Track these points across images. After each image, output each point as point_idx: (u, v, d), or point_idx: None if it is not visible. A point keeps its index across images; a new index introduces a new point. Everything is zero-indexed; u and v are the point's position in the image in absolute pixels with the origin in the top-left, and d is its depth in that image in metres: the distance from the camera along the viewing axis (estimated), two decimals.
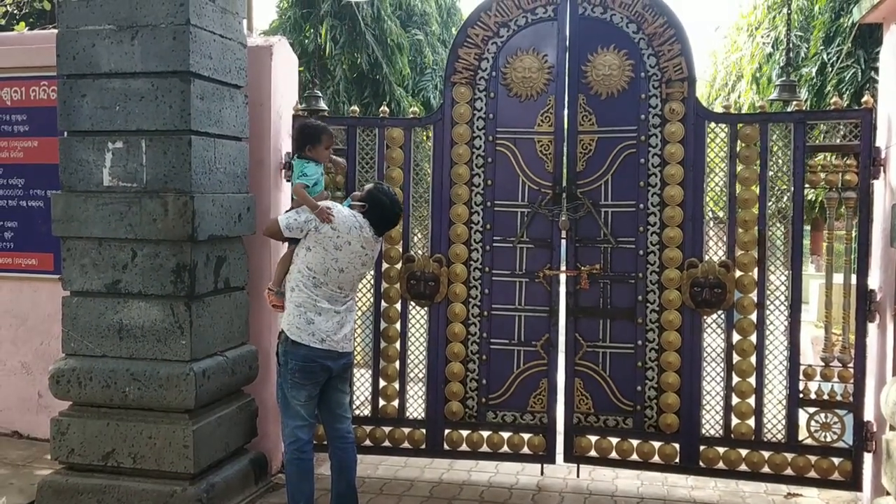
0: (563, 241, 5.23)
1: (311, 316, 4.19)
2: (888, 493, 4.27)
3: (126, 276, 4.61)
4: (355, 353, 5.54)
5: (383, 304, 5.43)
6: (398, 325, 5.42)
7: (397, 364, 5.43)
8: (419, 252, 5.42)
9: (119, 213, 4.56)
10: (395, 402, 5.44)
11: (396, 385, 5.44)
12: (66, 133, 4.69)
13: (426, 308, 5.40)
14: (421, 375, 5.48)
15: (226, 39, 4.79)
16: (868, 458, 4.82)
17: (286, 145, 5.46)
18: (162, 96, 4.50)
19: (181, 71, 4.48)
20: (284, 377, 4.27)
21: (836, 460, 4.90)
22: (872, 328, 4.85)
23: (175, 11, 4.45)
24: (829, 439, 4.92)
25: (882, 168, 4.79)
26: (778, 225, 5.14)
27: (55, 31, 4.69)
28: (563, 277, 5.26)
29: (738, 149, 4.99)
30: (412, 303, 5.42)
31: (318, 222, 4.19)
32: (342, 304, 4.32)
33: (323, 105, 5.66)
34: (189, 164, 4.50)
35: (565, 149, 5.18)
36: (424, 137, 5.55)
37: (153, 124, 4.53)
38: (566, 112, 5.17)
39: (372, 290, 5.47)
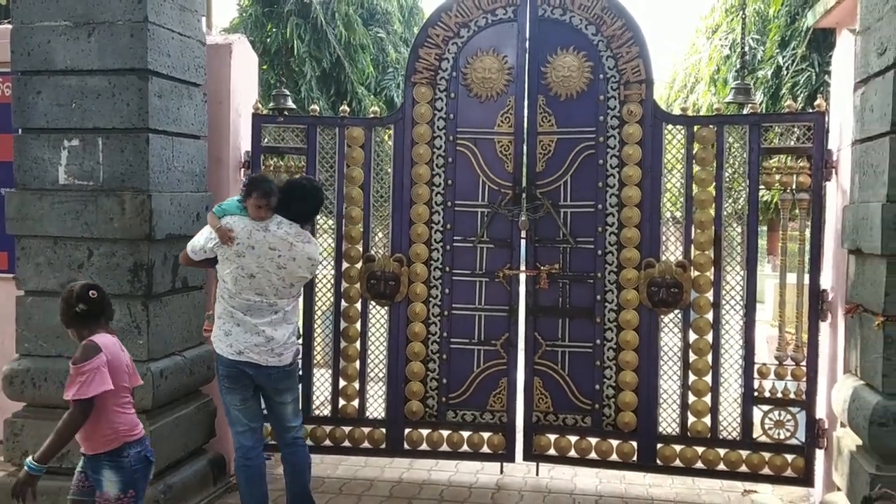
0: (523, 241, 5.26)
1: (228, 327, 4.18)
2: (839, 489, 4.37)
3: (82, 276, 4.53)
4: (315, 352, 5.53)
5: (343, 303, 5.42)
6: (358, 325, 5.42)
7: (357, 364, 5.42)
8: (380, 251, 5.42)
9: (75, 211, 4.50)
10: (356, 402, 5.43)
11: (356, 385, 5.43)
12: (20, 130, 4.62)
13: (386, 307, 5.40)
14: (381, 375, 5.48)
15: (184, 37, 4.75)
16: (820, 455, 4.92)
17: (245, 144, 5.42)
18: (119, 94, 4.45)
19: (139, 68, 4.43)
20: (219, 383, 4.29)
21: (789, 457, 4.99)
22: (825, 327, 4.95)
23: (133, 8, 4.41)
24: (782, 436, 5.00)
25: (834, 170, 4.89)
26: (734, 225, 5.22)
27: (9, 26, 4.61)
28: (522, 277, 5.30)
29: (694, 150, 5.06)
30: (372, 302, 5.42)
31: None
32: (268, 314, 4.18)
33: (291, 104, 5.63)
34: (147, 163, 4.46)
35: (525, 149, 5.21)
36: (385, 137, 5.55)
37: (110, 122, 4.48)
38: (526, 113, 5.21)
39: (332, 290, 5.45)
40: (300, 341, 4.50)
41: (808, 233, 4.98)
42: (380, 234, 5.55)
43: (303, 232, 4.30)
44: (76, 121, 4.50)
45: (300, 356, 4.60)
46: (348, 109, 5.63)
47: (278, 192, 4.23)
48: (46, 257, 4.57)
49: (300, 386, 4.70)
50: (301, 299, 5.38)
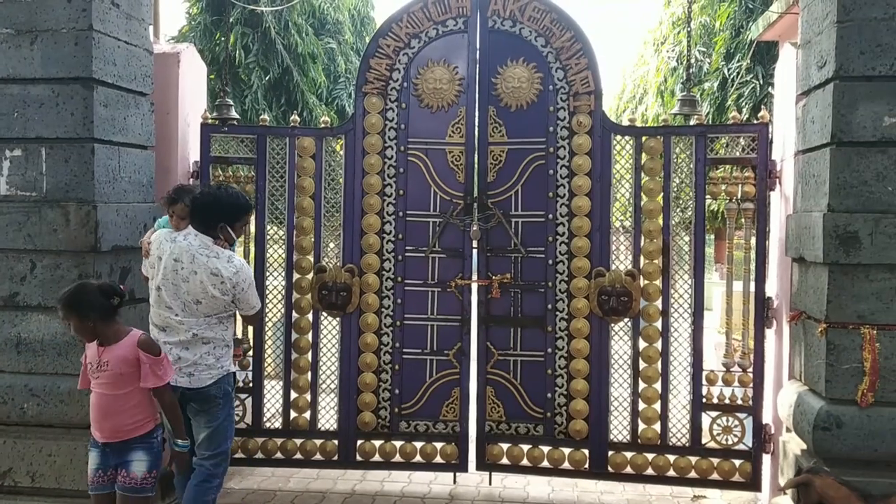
0: (475, 251, 5.27)
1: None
2: (785, 493, 4.44)
3: (25, 289, 4.45)
4: (266, 363, 5.48)
5: (294, 314, 5.37)
6: (310, 336, 5.38)
7: (309, 375, 5.38)
8: (331, 262, 5.39)
9: (17, 223, 4.40)
10: (307, 414, 5.38)
11: (308, 396, 5.38)
12: None
13: (338, 318, 5.36)
14: (333, 386, 5.44)
15: (131, 45, 4.68)
16: (767, 460, 5.00)
17: (194, 153, 5.36)
18: (63, 103, 4.38)
19: (83, 77, 4.36)
20: None
21: (737, 462, 5.07)
22: (770, 334, 5.04)
23: (77, 16, 4.34)
24: (730, 442, 5.08)
25: (777, 180, 5.00)
26: (682, 234, 5.30)
27: None
28: (474, 287, 5.31)
29: (643, 161, 5.13)
30: (324, 313, 5.39)
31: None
32: (178, 333, 3.90)
33: (234, 114, 5.58)
34: (92, 173, 4.38)
35: (476, 160, 5.23)
36: (337, 147, 5.52)
37: (54, 132, 4.40)
38: (477, 123, 5.23)
39: (283, 301, 5.41)
40: (227, 363, 4.00)
41: (753, 241, 5.08)
42: (332, 245, 5.52)
43: (210, 245, 3.95)
44: (18, 130, 4.41)
45: (231, 382, 4.05)
46: (299, 119, 5.60)
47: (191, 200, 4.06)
48: None
49: (226, 413, 4.03)
50: None
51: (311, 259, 5.35)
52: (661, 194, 5.11)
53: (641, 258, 5.14)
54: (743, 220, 5.15)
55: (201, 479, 3.92)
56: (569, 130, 5.14)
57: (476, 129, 5.23)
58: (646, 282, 5.14)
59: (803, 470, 4.04)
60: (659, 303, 5.13)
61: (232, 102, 5.69)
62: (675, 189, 5.20)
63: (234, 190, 4.40)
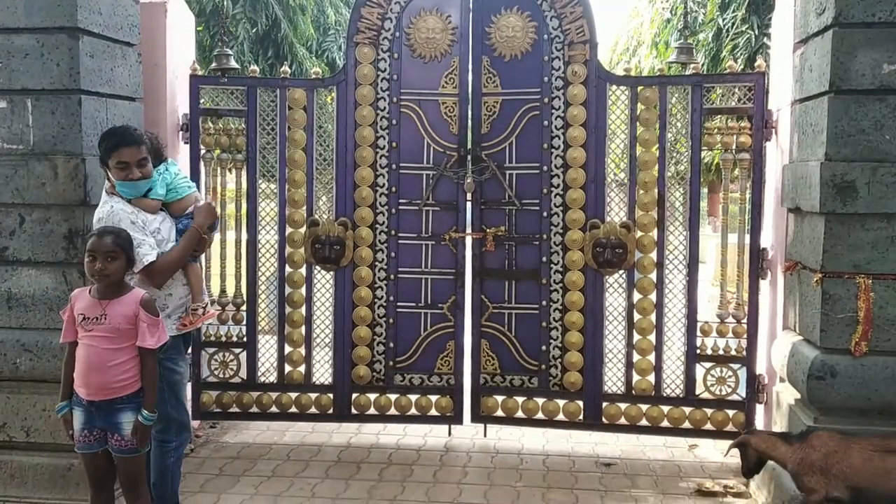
0: (469, 204, 5.23)
1: None
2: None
3: (14, 243, 4.39)
4: (260, 318, 5.47)
5: (287, 268, 5.34)
6: (303, 290, 5.35)
7: (303, 329, 5.36)
8: (324, 216, 5.35)
9: (4, 176, 4.33)
10: (302, 368, 5.38)
11: (302, 350, 5.37)
12: None
13: (332, 272, 5.34)
14: (327, 340, 5.44)
15: None
16: (760, 410, 5.03)
17: (183, 106, 5.28)
18: (49, 53, 4.28)
19: (69, 27, 4.26)
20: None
21: (730, 412, 5.09)
22: (764, 285, 5.04)
23: None
24: (724, 392, 5.10)
25: (774, 130, 4.95)
26: (676, 187, 5.27)
27: None
28: (468, 240, 5.28)
29: (638, 111, 5.07)
30: (317, 267, 5.36)
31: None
32: None
33: (234, 63, 5.48)
34: (79, 126, 4.30)
35: (470, 111, 5.17)
36: (328, 99, 5.44)
37: (39, 83, 4.30)
38: (470, 74, 5.16)
39: (276, 255, 5.37)
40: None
41: (748, 193, 5.05)
42: (324, 199, 5.47)
43: (104, 192, 3.85)
44: (3, 81, 4.31)
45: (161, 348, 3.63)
46: (289, 71, 5.51)
47: None
48: None
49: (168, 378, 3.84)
50: (244, 264, 5.33)
51: (304, 213, 5.30)
52: (657, 145, 5.06)
53: (636, 210, 5.11)
54: (738, 171, 5.11)
55: (155, 444, 3.84)
56: (564, 80, 5.07)
57: (470, 79, 5.16)
58: (640, 234, 5.12)
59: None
60: (654, 255, 5.12)
61: (231, 52, 5.60)
62: (671, 140, 5.15)
63: (119, 125, 4.06)
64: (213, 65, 5.43)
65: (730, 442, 4.23)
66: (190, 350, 4.35)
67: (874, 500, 3.63)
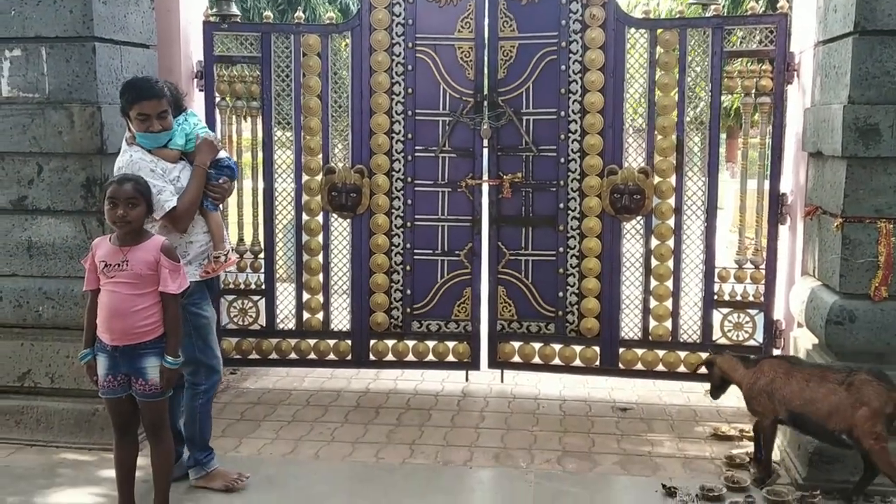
0: (485, 150, 5.20)
1: None
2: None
3: (33, 192, 4.42)
4: (277, 266, 5.50)
5: (304, 216, 5.34)
6: (320, 238, 5.36)
7: (320, 277, 5.39)
8: (340, 163, 5.33)
9: (21, 125, 4.34)
10: (320, 315, 5.42)
11: (320, 298, 5.40)
12: None
13: (348, 220, 5.34)
14: (345, 288, 5.46)
15: None
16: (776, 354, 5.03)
17: (197, 53, 5.24)
18: (61, 0, 4.24)
19: None
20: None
21: None
22: (783, 230, 5.00)
23: None
24: (741, 338, 5.10)
25: (796, 73, 4.87)
26: (694, 132, 5.22)
27: None
28: (485, 187, 5.26)
29: (657, 55, 4.99)
30: (334, 215, 5.36)
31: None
32: None
33: (234, 9, 5.43)
34: (94, 73, 4.29)
35: (486, 56, 5.10)
36: (343, 46, 5.38)
37: (53, 30, 4.28)
38: (487, 18, 5.08)
39: (293, 203, 5.37)
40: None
41: (768, 137, 4.98)
42: (339, 146, 5.45)
43: (123, 141, 3.86)
44: (17, 29, 4.29)
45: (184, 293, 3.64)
46: (302, 16, 5.45)
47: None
48: None
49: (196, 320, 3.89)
50: (261, 213, 5.34)
51: (320, 160, 5.29)
52: (676, 89, 4.99)
53: (654, 156, 5.06)
54: (758, 115, 5.04)
55: (185, 386, 3.96)
56: (581, 24, 4.99)
57: (486, 23, 5.08)
58: (659, 179, 5.08)
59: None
60: (672, 201, 5.08)
61: None
62: (690, 84, 5.08)
63: (140, 76, 4.04)
64: (213, 10, 5.34)
65: None
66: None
67: (805, 423, 3.87)
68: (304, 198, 5.32)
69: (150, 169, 3.68)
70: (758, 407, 4.00)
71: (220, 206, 4.04)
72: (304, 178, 5.31)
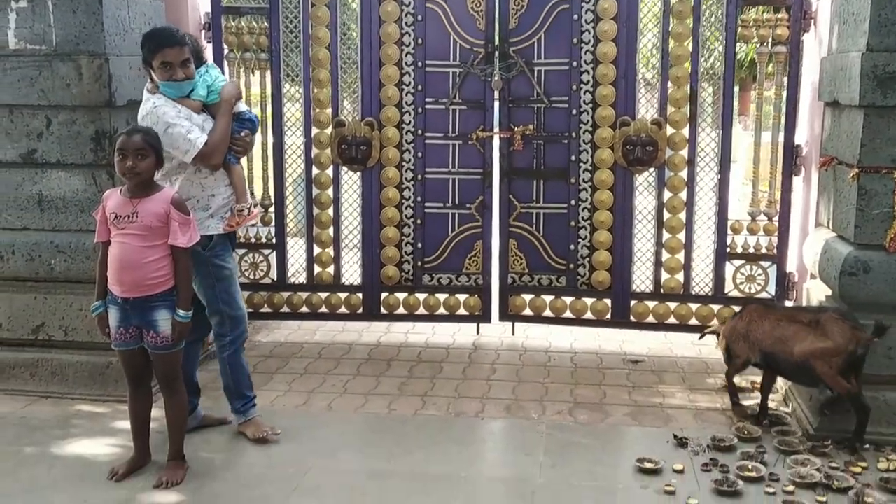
0: (496, 102, 5.15)
1: None
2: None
3: (42, 145, 4.40)
4: (288, 220, 5.50)
5: (314, 169, 5.32)
6: (330, 191, 5.34)
7: (331, 230, 5.37)
8: (350, 116, 5.29)
9: (29, 77, 4.30)
10: (331, 269, 5.42)
11: (331, 251, 5.40)
12: None
13: (359, 173, 5.31)
14: (356, 242, 5.45)
15: None
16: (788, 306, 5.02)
17: (204, 4, 5.18)
18: None
19: None
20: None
21: None
22: (798, 182, 4.95)
23: None
24: (753, 291, 5.08)
25: (812, 21, 4.78)
26: (706, 85, 5.15)
27: None
28: (496, 139, 5.22)
29: (671, 3, 4.90)
30: (344, 168, 5.33)
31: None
32: None
33: None
34: (101, 25, 4.24)
35: (497, 5, 5.03)
36: None
37: None
38: None
39: (302, 157, 5.34)
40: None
41: (784, 87, 4.91)
42: (349, 99, 5.40)
43: (145, 90, 3.81)
44: None
45: (204, 244, 3.74)
46: None
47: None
48: (3, 127, 4.40)
49: (203, 273, 3.82)
50: (271, 166, 5.31)
51: (329, 113, 5.24)
52: (690, 39, 4.91)
53: (668, 106, 5.00)
54: (773, 65, 4.96)
55: (213, 338, 4.02)
56: None
57: None
58: (672, 131, 5.02)
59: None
60: (685, 152, 5.03)
61: None
62: (705, 33, 4.99)
63: (161, 26, 4.07)
64: None
65: None
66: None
67: (776, 362, 4.05)
68: (314, 151, 5.29)
69: (174, 113, 3.66)
70: (735, 350, 4.20)
71: (242, 158, 4.02)
72: (314, 131, 5.27)
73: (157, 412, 3.75)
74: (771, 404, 4.23)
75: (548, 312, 5.37)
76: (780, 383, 4.49)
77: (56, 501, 3.39)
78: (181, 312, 3.49)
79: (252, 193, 4.92)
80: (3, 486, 3.52)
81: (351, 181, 5.40)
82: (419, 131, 5.20)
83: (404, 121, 5.20)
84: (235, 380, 4.01)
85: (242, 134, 3.92)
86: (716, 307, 5.12)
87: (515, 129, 5.12)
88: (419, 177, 5.26)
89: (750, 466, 3.61)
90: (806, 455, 3.74)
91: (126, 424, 3.74)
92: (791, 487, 3.45)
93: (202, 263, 3.78)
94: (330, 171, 5.32)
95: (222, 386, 4.06)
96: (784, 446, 3.83)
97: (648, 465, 3.64)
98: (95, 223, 3.55)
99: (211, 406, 4.25)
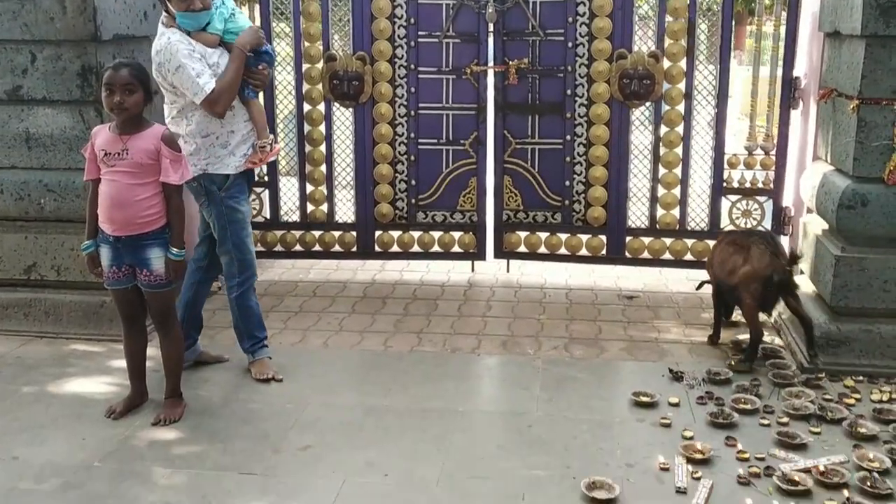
0: (491, 35, 5.04)
1: None
2: (802, 272, 4.48)
3: (27, 82, 4.31)
4: (280, 158, 5.43)
5: (306, 106, 5.23)
6: (322, 128, 5.26)
7: (324, 168, 5.31)
8: (341, 50, 5.18)
9: (11, 11, 4.19)
10: (324, 207, 5.37)
11: (324, 189, 5.34)
12: None
13: (351, 109, 5.23)
14: (349, 179, 5.40)
15: None
16: (785, 241, 5.00)
17: None
18: None
19: None
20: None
21: None
22: (795, 115, 4.90)
23: None
24: (749, 225, 5.06)
25: None
26: (702, 19, 5.06)
27: None
28: (490, 73, 5.13)
29: None
30: (336, 104, 5.25)
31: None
32: None
33: None
34: None
35: None
36: None
37: None
38: None
39: (293, 93, 5.25)
40: (204, 161, 3.70)
41: (783, 19, 4.82)
42: (340, 33, 5.29)
43: (161, 24, 3.71)
44: None
45: (215, 181, 3.74)
46: None
47: None
48: None
49: (215, 212, 3.81)
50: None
51: (320, 47, 5.14)
52: None
53: (665, 39, 4.91)
54: None
55: (223, 279, 4.02)
56: None
57: None
58: (669, 64, 4.94)
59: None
60: (682, 85, 4.96)
61: None
62: None
63: None
64: None
65: None
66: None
67: (722, 288, 4.27)
68: (305, 87, 5.20)
69: (187, 52, 3.57)
70: (709, 275, 4.41)
71: (260, 92, 3.92)
72: (305, 66, 5.17)
73: (155, 351, 3.74)
74: (766, 338, 4.23)
75: (543, 249, 5.35)
76: (776, 316, 4.52)
77: (55, 439, 3.40)
78: (175, 250, 3.45)
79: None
80: (2, 425, 3.52)
81: (343, 118, 5.32)
82: (412, 66, 5.11)
83: (397, 55, 5.10)
84: (244, 321, 4.00)
85: (260, 67, 3.81)
86: (711, 243, 5.09)
87: (510, 62, 5.03)
88: (412, 112, 5.18)
89: (744, 399, 3.64)
90: (800, 387, 3.76)
91: (122, 363, 3.74)
92: (785, 419, 3.47)
93: (216, 203, 3.76)
94: (322, 108, 5.23)
95: (232, 325, 4.06)
96: (778, 379, 3.85)
97: (644, 399, 3.66)
98: (84, 161, 3.48)
99: (207, 344, 4.24)
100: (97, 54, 4.22)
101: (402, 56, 5.10)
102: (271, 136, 3.92)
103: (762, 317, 4.18)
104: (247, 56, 3.73)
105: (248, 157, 3.80)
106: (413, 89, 5.14)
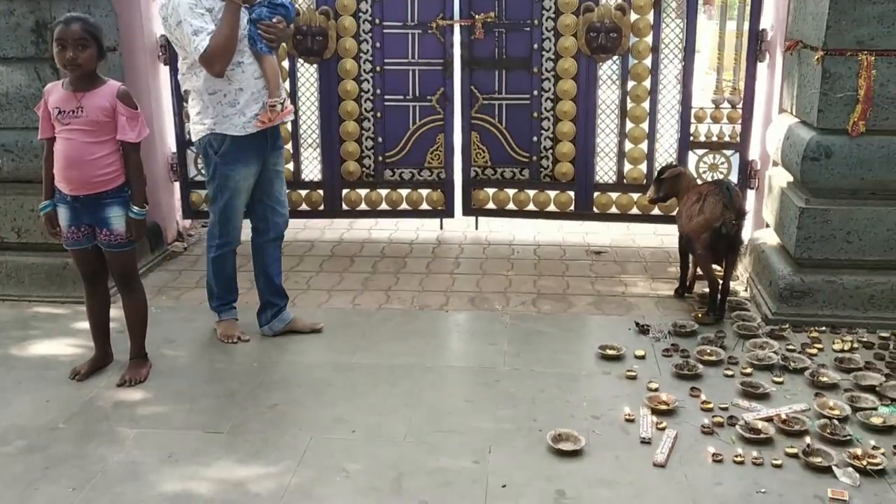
0: None
1: None
2: (767, 226, 4.51)
3: None
4: None
5: None
6: (287, 85, 5.18)
7: (289, 126, 5.24)
8: (304, 4, 5.09)
9: None
10: (290, 165, 5.30)
11: (290, 147, 5.27)
12: None
13: (315, 65, 5.15)
14: (314, 137, 5.33)
15: None
16: (751, 195, 5.03)
17: None
18: None
19: None
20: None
21: None
22: (762, 68, 4.89)
23: None
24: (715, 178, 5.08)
25: None
26: None
27: None
28: (456, 28, 5.07)
29: None
30: (300, 60, 5.17)
31: None
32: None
33: None
34: None
35: None
36: None
37: None
38: None
39: None
40: (209, 120, 3.56)
41: None
42: None
43: None
44: None
45: (214, 143, 3.60)
46: None
47: None
48: None
49: (210, 173, 3.71)
50: None
51: None
52: None
53: None
54: None
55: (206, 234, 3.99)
56: None
57: None
58: (636, 17, 4.91)
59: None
60: (649, 39, 4.94)
61: None
62: None
63: None
64: None
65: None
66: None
67: (683, 239, 4.30)
68: None
69: (189, 7, 3.42)
70: (678, 226, 4.38)
71: (277, 49, 3.69)
72: None
73: (119, 312, 3.69)
74: (738, 288, 4.27)
75: (511, 206, 5.34)
76: (741, 270, 4.55)
77: (19, 402, 3.36)
78: (135, 209, 3.39)
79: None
80: None
81: (308, 74, 5.24)
82: (377, 20, 5.03)
83: (361, 9, 5.02)
84: (215, 281, 3.97)
85: (275, 20, 3.57)
86: None
87: (476, 16, 4.97)
88: (378, 68, 5.11)
89: (709, 350, 3.67)
90: (764, 339, 3.81)
91: (86, 325, 3.69)
92: (749, 369, 3.52)
93: (210, 166, 3.67)
94: (286, 64, 5.15)
95: (205, 282, 4.03)
96: (743, 331, 3.89)
97: (610, 352, 3.68)
98: (39, 119, 3.40)
99: (174, 305, 4.20)
100: (51, 9, 4.11)
101: (367, 10, 5.02)
102: (283, 95, 3.70)
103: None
104: (258, 9, 3.53)
105: (256, 117, 3.61)
106: (378, 44, 5.07)
